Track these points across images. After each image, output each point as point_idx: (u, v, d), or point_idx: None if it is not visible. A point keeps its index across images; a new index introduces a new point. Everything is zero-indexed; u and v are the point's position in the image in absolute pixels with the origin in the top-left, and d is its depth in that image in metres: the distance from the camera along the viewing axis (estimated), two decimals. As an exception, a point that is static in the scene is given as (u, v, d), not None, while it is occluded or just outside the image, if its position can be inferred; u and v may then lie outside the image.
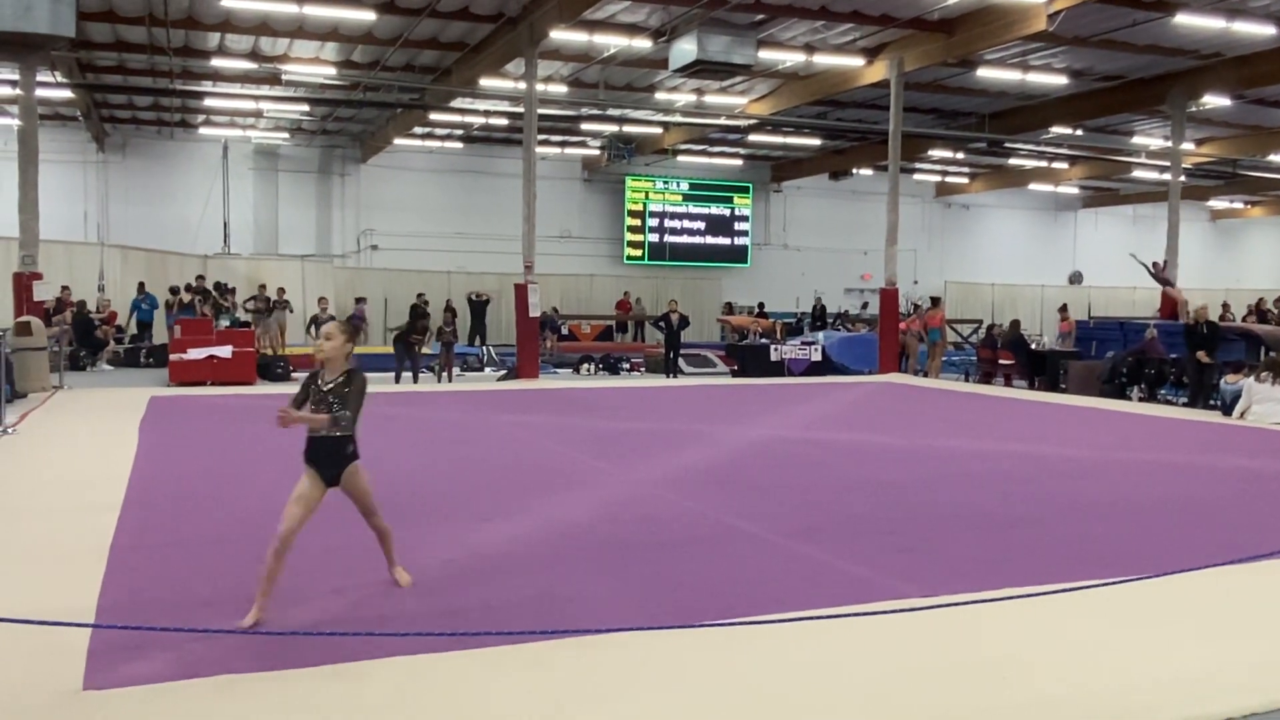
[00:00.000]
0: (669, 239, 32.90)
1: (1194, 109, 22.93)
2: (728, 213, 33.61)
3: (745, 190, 33.67)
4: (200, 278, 22.98)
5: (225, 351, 16.75)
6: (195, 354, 16.56)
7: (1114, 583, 4.94)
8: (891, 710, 3.65)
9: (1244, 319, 24.64)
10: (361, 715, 3.53)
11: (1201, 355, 14.36)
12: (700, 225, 33.31)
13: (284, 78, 21.24)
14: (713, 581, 5.31)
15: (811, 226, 34.92)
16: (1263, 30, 17.48)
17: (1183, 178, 22.88)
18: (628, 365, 22.47)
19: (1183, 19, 16.94)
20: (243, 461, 9.02)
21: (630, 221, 32.46)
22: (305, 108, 24.39)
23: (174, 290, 22.00)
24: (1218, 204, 39.23)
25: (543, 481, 8.23)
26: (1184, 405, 14.93)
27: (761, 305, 31.72)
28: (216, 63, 20.95)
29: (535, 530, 6.35)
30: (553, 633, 4.26)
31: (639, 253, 32.62)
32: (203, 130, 27.35)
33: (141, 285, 22.48)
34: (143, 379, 17.47)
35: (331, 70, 21.76)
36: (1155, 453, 10.35)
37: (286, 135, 28.42)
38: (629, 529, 6.53)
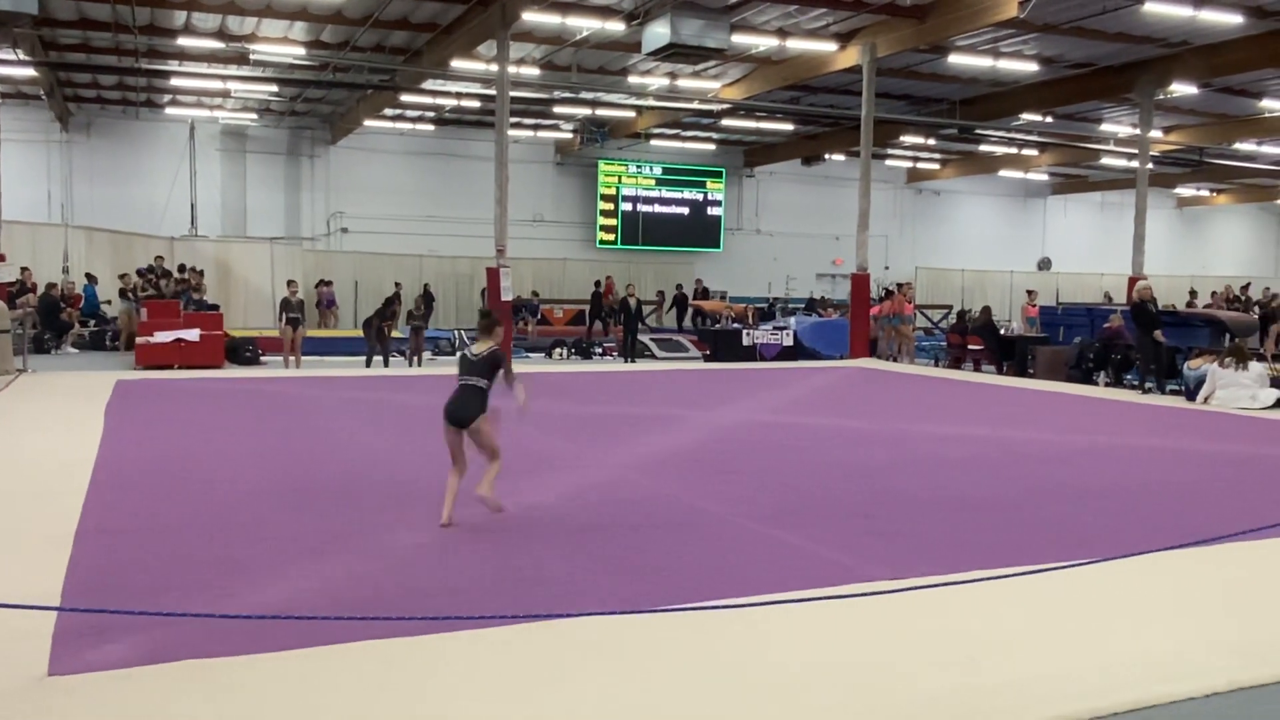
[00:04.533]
0: (642, 223, 32.81)
1: (1162, 97, 23.13)
2: (701, 197, 33.56)
3: (718, 175, 33.62)
4: (159, 258, 22.56)
5: (193, 335, 16.56)
6: (162, 337, 16.36)
7: (1083, 564, 5.00)
8: (864, 691, 3.67)
9: (1206, 306, 24.93)
10: (330, 699, 3.51)
11: (1158, 335, 14.41)
12: (673, 209, 33.24)
13: (252, 58, 20.89)
14: (684, 565, 5.31)
15: (784, 211, 34.95)
16: (1229, 19, 17.64)
17: (1150, 165, 23.09)
18: (600, 350, 22.43)
19: (1151, 7, 17.05)
20: (209, 446, 8.93)
21: (603, 205, 32.34)
22: (274, 88, 24.08)
23: (140, 272, 21.64)
24: (1184, 191, 39.67)
25: (514, 464, 8.16)
26: (1134, 387, 14.95)
27: (707, 288, 31.47)
28: (183, 42, 20.59)
29: (505, 513, 6.33)
30: (522, 616, 4.25)
31: (612, 237, 32.50)
32: (169, 110, 26.94)
33: (90, 275, 22.03)
34: (108, 362, 17.25)
35: (300, 50, 21.47)
36: (1122, 437, 10.47)
37: (255, 116, 28.05)
38: (600, 512, 6.53)
